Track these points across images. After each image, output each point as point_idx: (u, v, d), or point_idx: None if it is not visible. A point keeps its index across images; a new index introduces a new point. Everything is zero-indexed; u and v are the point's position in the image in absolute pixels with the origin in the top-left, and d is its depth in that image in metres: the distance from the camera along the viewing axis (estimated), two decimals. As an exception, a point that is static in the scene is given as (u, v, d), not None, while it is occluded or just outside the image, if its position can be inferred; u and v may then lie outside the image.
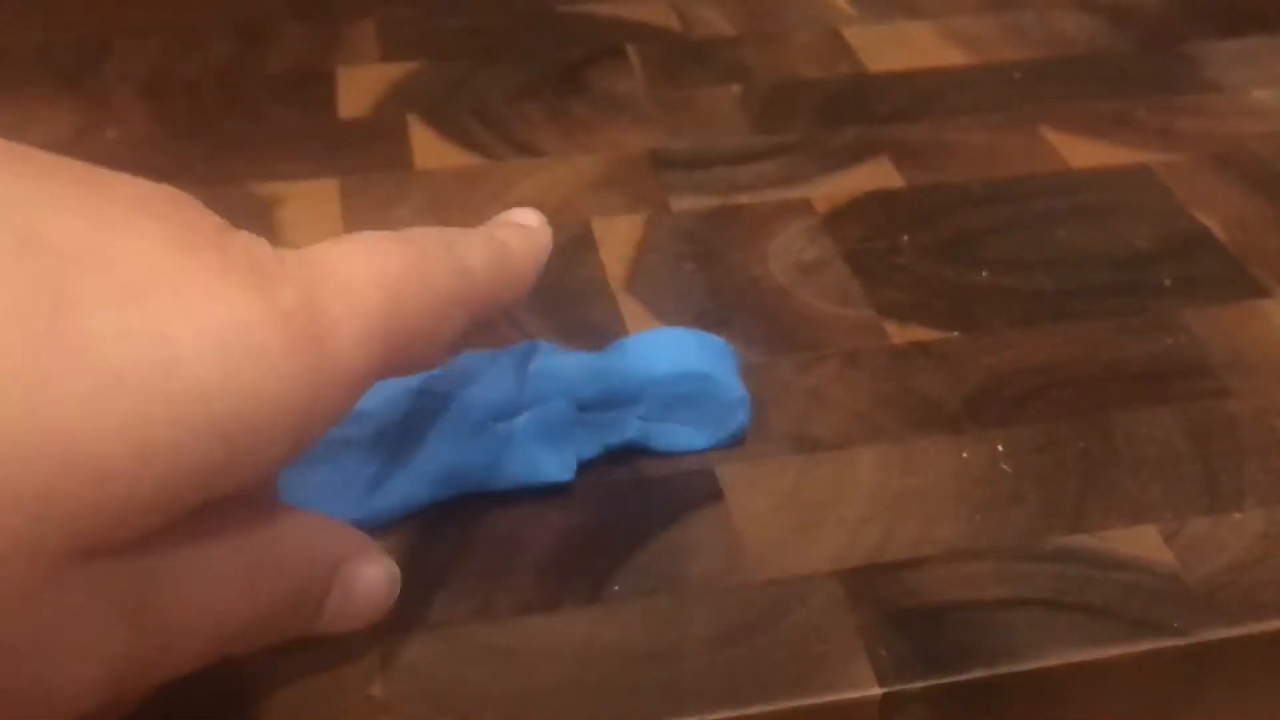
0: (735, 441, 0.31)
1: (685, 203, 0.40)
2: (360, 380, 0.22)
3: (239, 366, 0.19)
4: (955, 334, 0.35)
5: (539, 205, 0.40)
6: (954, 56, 0.48)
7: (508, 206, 0.40)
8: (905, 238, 0.39)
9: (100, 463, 0.18)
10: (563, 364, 0.30)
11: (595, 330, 0.35)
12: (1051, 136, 0.44)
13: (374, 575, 0.25)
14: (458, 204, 0.40)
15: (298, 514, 0.24)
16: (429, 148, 0.43)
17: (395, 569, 0.25)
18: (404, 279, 0.23)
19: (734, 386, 0.31)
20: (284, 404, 0.20)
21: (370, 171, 0.41)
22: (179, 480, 0.19)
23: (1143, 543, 0.29)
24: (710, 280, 0.37)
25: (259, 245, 0.22)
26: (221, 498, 0.20)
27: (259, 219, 0.39)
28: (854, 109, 0.45)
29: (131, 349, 0.19)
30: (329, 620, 0.24)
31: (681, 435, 0.31)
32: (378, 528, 0.29)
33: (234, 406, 0.19)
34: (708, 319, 0.35)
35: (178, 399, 0.19)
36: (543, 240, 0.29)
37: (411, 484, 0.29)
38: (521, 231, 0.28)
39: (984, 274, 0.37)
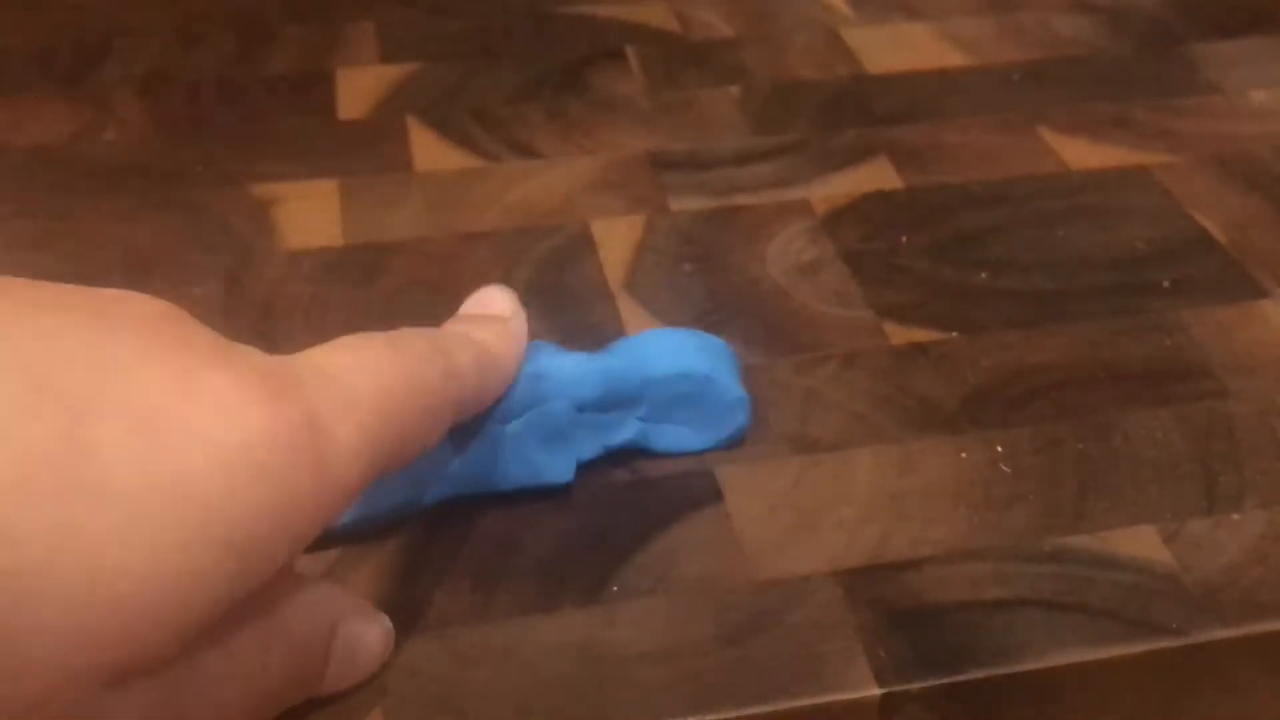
0: (734, 442, 0.31)
1: (684, 204, 0.40)
2: (354, 488, 0.23)
3: (247, 484, 0.20)
4: (954, 335, 0.35)
5: (538, 206, 0.40)
6: (953, 58, 0.48)
7: (507, 208, 0.40)
8: (904, 239, 0.39)
9: (128, 598, 0.19)
10: (562, 364, 0.30)
11: (594, 331, 0.35)
12: (1050, 138, 0.44)
13: (372, 635, 0.26)
14: (457, 206, 0.40)
15: (296, 583, 0.24)
16: (428, 149, 0.43)
17: (389, 624, 0.26)
18: (399, 388, 0.24)
19: (733, 387, 0.31)
20: (288, 515, 0.21)
21: (369, 173, 0.41)
22: (198, 600, 0.20)
23: (1142, 543, 0.29)
24: (709, 281, 0.37)
25: (260, 357, 0.22)
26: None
27: (258, 220, 0.39)
28: (853, 110, 0.45)
29: (147, 483, 0.19)
30: (331, 682, 0.25)
31: (681, 436, 0.31)
32: (378, 527, 0.29)
33: (242, 524, 0.20)
34: (707, 320, 0.35)
35: (192, 524, 0.20)
36: (520, 332, 0.30)
37: (412, 485, 0.29)
38: (499, 328, 0.29)
39: (983, 275, 0.37)
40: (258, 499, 0.20)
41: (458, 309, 0.30)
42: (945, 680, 0.27)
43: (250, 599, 0.22)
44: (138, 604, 0.19)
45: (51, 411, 0.19)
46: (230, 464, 0.20)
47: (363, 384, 0.23)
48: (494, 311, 0.30)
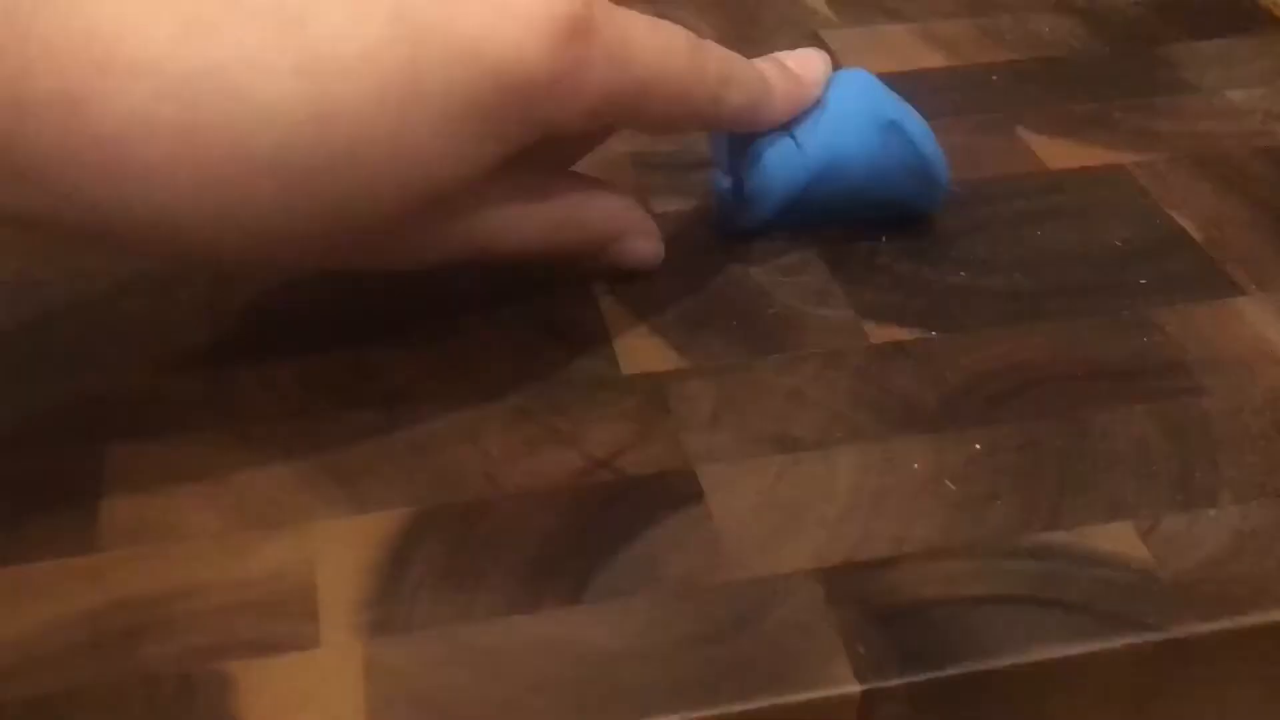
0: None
1: (665, 204, 0.40)
2: (587, 99, 0.29)
3: (517, 33, 0.27)
4: (933, 334, 0.35)
5: (520, 208, 0.40)
6: (932, 59, 0.49)
7: (489, 209, 0.40)
8: (884, 238, 0.39)
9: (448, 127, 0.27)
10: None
11: (576, 330, 0.35)
12: (1028, 138, 0.44)
13: (646, 250, 0.36)
14: (439, 207, 0.40)
15: (600, 190, 0.35)
16: (410, 151, 0.42)
17: (662, 249, 0.36)
18: (661, 59, 0.31)
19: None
20: (534, 77, 0.27)
21: (351, 175, 0.41)
22: (491, 138, 0.28)
23: (1119, 539, 0.30)
24: (690, 281, 0.37)
25: None
26: (524, 163, 0.30)
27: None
28: (833, 111, 0.45)
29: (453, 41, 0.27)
30: (603, 263, 0.35)
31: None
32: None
33: (502, 67, 0.27)
34: (688, 320, 0.36)
35: (481, 87, 0.27)
36: (802, 98, 0.36)
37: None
38: (786, 83, 0.36)
39: (962, 274, 0.38)
40: (521, 48, 0.27)
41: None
42: (925, 677, 0.27)
43: (549, 188, 0.32)
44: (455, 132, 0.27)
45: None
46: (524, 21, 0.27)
47: (637, 33, 0.30)
48: (798, 70, 0.36)
